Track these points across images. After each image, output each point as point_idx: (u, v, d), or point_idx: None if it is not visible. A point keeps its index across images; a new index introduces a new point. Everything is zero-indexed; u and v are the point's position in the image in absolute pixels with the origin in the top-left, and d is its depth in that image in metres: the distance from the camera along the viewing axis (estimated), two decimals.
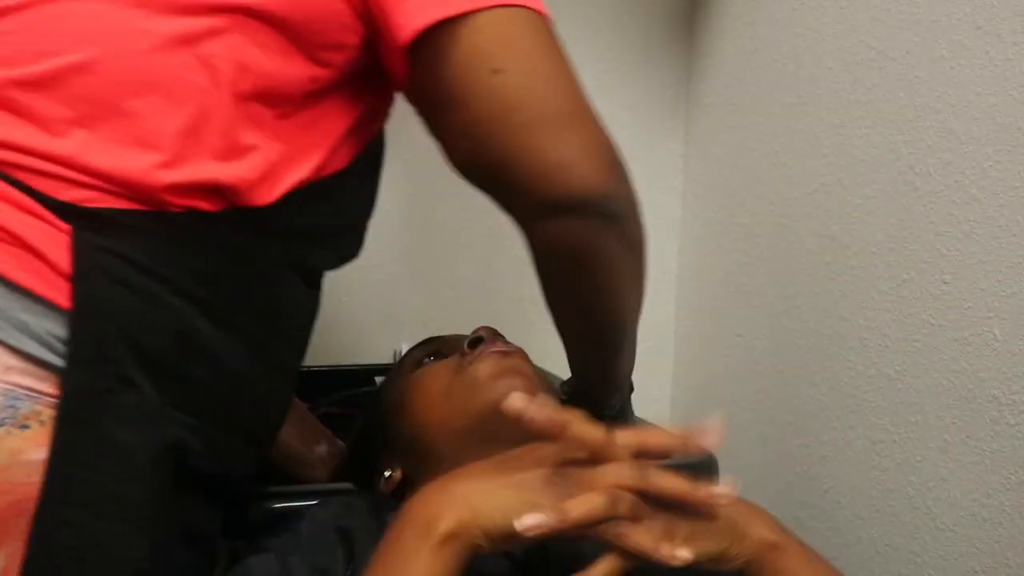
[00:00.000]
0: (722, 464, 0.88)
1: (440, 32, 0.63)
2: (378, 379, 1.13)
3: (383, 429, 0.81)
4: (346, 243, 0.77)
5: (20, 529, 0.54)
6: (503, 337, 0.80)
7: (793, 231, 1.10)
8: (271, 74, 0.63)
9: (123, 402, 0.58)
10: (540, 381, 0.77)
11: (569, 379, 0.88)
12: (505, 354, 0.76)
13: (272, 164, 0.64)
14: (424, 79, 0.66)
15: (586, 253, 0.68)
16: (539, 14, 0.68)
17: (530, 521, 0.51)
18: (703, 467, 0.86)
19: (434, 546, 0.51)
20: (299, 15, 0.63)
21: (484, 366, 0.74)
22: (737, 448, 1.21)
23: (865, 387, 0.97)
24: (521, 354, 0.78)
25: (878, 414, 0.95)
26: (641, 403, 1.39)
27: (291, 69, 0.64)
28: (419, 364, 0.82)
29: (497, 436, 0.72)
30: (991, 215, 0.81)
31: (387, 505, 0.73)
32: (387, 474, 0.77)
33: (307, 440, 0.91)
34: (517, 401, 0.55)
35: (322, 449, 0.92)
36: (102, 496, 0.57)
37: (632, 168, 1.45)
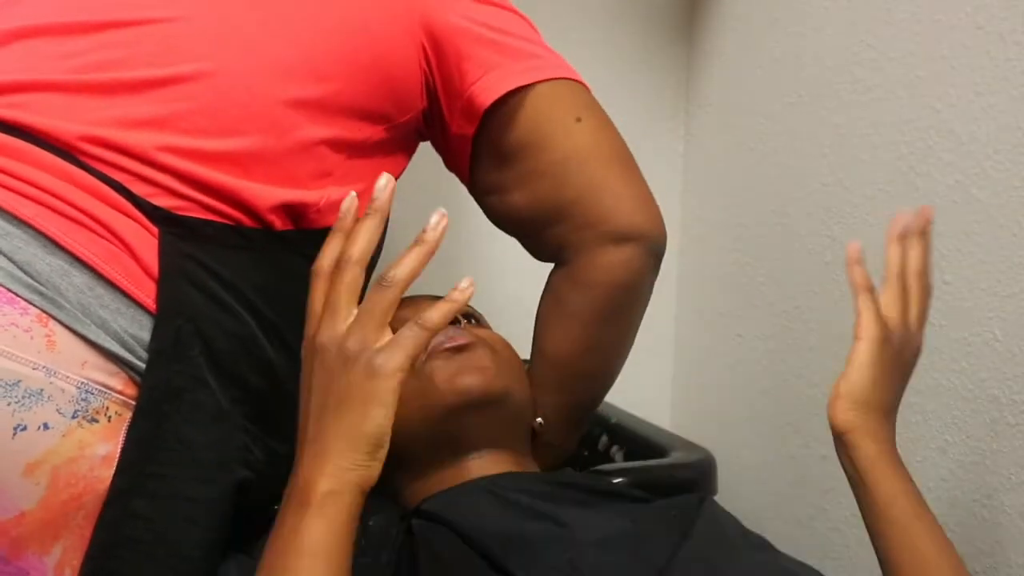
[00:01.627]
0: (722, 464, 0.89)
1: (517, 94, 0.74)
2: None
3: None
4: (371, 266, 0.81)
5: (78, 523, 0.56)
6: (460, 320, 0.79)
7: (793, 231, 1.10)
8: (353, 132, 0.71)
9: (196, 401, 0.60)
10: (502, 367, 0.75)
11: (543, 418, 0.85)
12: (459, 349, 0.73)
13: (339, 198, 0.68)
14: (496, 136, 0.76)
15: (632, 283, 0.78)
16: (587, 89, 0.80)
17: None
18: (702, 467, 0.86)
19: (315, 509, 0.52)
20: (389, 99, 0.73)
21: (438, 369, 0.72)
22: (737, 448, 1.21)
23: None
24: (479, 344, 0.75)
25: None
26: (641, 403, 1.39)
27: (368, 131, 0.72)
28: None
29: (460, 438, 0.72)
30: (991, 215, 0.81)
31: (370, 503, 0.72)
32: None
33: None
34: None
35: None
36: (171, 492, 0.59)
37: None
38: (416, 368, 0.73)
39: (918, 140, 0.89)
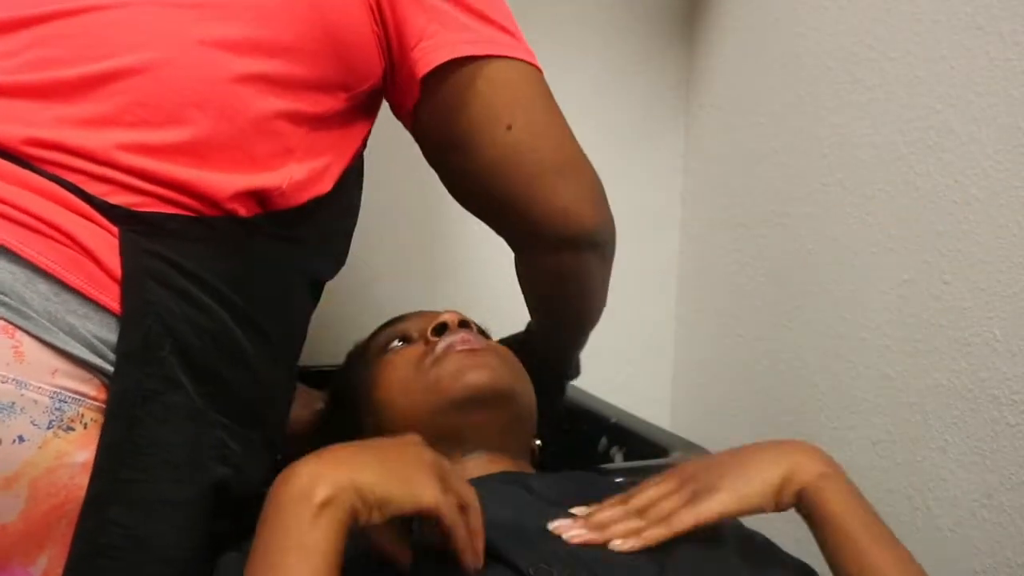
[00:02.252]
0: None
1: (454, 72, 0.71)
2: None
3: (352, 414, 0.80)
4: (341, 249, 0.80)
5: (62, 532, 0.55)
6: (469, 325, 0.79)
7: (793, 231, 1.10)
8: (311, 105, 0.68)
9: (169, 402, 0.59)
10: (511, 371, 0.76)
11: (532, 333, 0.95)
12: (471, 352, 0.75)
13: (302, 175, 0.68)
14: (436, 118, 0.74)
15: (573, 277, 0.81)
16: (538, 70, 0.76)
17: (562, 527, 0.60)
18: None
19: (314, 513, 0.50)
20: (344, 68, 0.70)
21: (447, 367, 0.74)
22: None
23: (865, 387, 0.97)
24: (488, 351, 0.77)
25: (878, 414, 0.95)
26: (641, 403, 1.39)
27: (328, 102, 0.70)
28: (385, 349, 0.81)
29: (463, 436, 0.73)
30: (991, 215, 0.81)
31: None
32: None
33: (307, 404, 0.94)
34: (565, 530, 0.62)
35: (305, 414, 0.93)
36: (148, 496, 0.58)
37: (632, 168, 1.46)
38: (426, 365, 0.74)
39: (918, 140, 0.89)
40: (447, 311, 0.81)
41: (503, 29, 0.73)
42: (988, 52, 0.81)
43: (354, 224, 0.81)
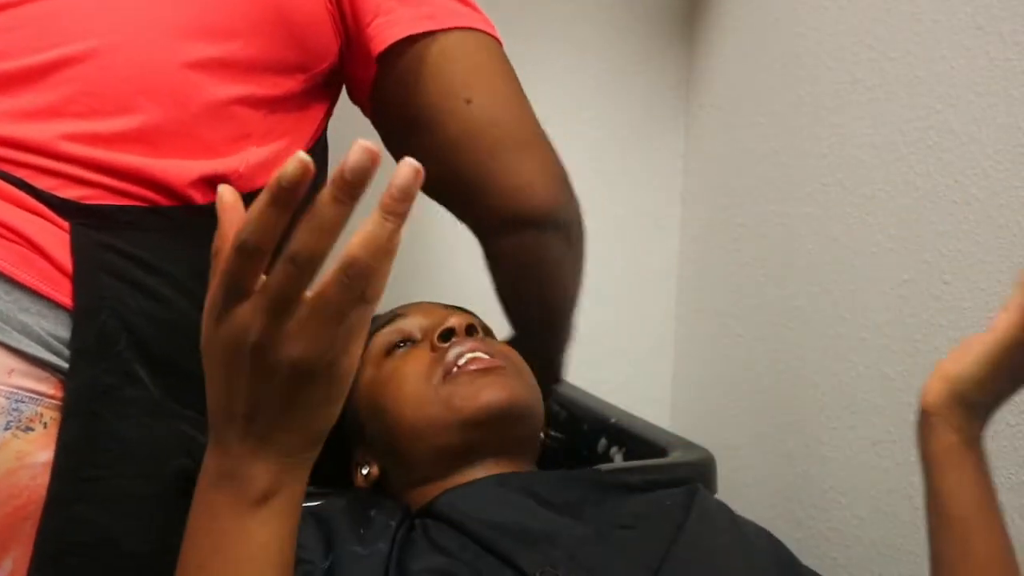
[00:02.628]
0: (721, 464, 0.89)
1: (410, 48, 0.69)
2: None
3: (355, 417, 0.79)
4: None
5: (26, 533, 0.54)
6: (477, 330, 0.77)
7: (793, 231, 1.10)
8: (268, 88, 0.67)
9: (127, 397, 0.58)
10: (522, 385, 0.75)
11: (512, 341, 0.89)
12: (484, 372, 0.72)
13: (261, 158, 0.66)
14: (394, 96, 0.72)
15: (538, 260, 0.78)
16: (497, 41, 0.74)
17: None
18: (702, 467, 0.86)
19: (266, 509, 0.46)
20: (299, 48, 0.68)
21: (461, 388, 0.71)
22: (737, 448, 1.21)
23: (865, 387, 0.97)
24: (500, 366, 0.74)
25: (878, 414, 0.95)
26: (641, 403, 1.39)
27: (285, 84, 0.68)
28: (389, 351, 0.78)
29: (474, 450, 0.72)
30: (991, 215, 0.81)
31: (370, 499, 0.72)
32: (364, 471, 0.76)
33: None
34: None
35: None
36: (110, 492, 0.57)
37: (632, 168, 1.46)
38: (437, 380, 0.72)
39: (918, 140, 0.89)
40: (452, 313, 0.79)
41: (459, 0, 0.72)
42: (988, 52, 0.81)
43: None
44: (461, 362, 0.73)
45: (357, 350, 0.46)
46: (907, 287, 0.91)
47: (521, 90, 0.75)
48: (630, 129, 1.36)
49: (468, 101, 0.71)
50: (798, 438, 1.09)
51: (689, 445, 0.90)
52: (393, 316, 0.83)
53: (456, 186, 0.74)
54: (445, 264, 1.33)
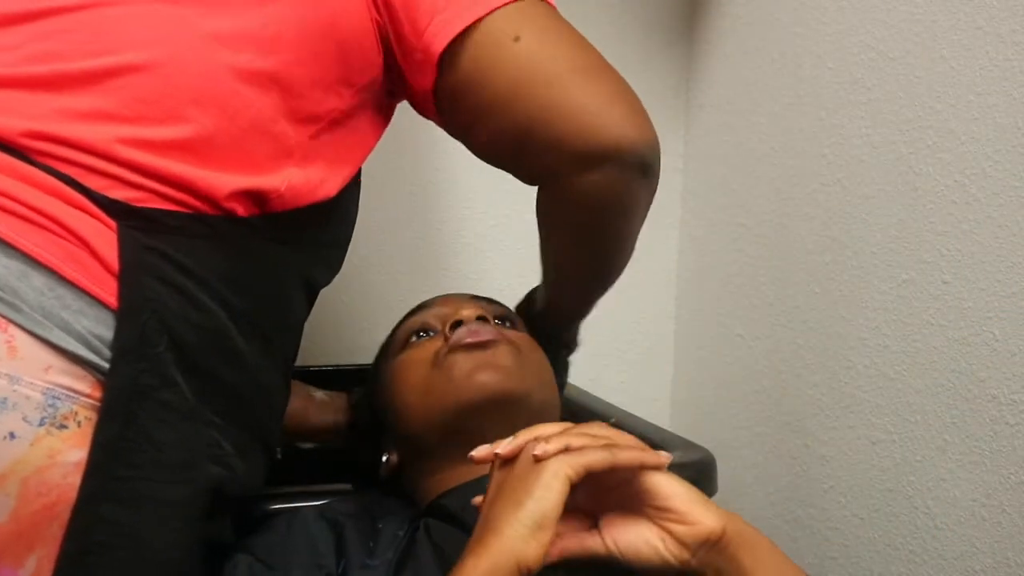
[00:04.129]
0: (721, 464, 0.89)
1: (466, 33, 0.68)
2: None
3: (376, 409, 0.81)
4: (337, 258, 0.80)
5: (53, 533, 0.54)
6: (487, 315, 0.78)
7: (793, 231, 1.10)
8: (313, 104, 0.67)
9: (163, 400, 0.58)
10: (525, 368, 0.75)
11: (539, 295, 0.88)
12: (480, 345, 0.73)
13: (301, 180, 0.67)
14: (452, 79, 0.70)
15: (617, 202, 0.71)
16: (546, 5, 0.72)
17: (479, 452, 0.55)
18: (702, 467, 0.86)
19: None
20: (343, 61, 0.68)
21: (457, 363, 0.73)
22: (737, 448, 1.21)
23: (865, 387, 0.97)
24: (500, 342, 0.75)
25: (878, 414, 0.95)
26: (641, 403, 1.39)
27: (330, 100, 0.68)
28: (404, 345, 0.81)
29: (476, 436, 0.72)
30: (991, 215, 0.81)
31: (378, 508, 0.73)
32: (384, 459, 0.78)
33: (321, 413, 0.93)
34: (481, 452, 0.56)
35: (339, 418, 0.94)
36: (141, 494, 0.57)
37: None
38: (437, 360, 0.74)
39: (918, 140, 0.89)
40: (468, 302, 0.80)
41: None
42: (988, 52, 0.81)
43: (351, 233, 0.80)
44: (459, 332, 0.75)
45: None
46: (907, 287, 0.91)
47: (576, 31, 0.71)
48: None
49: (516, 39, 0.68)
50: (798, 438, 1.09)
51: (689, 445, 0.90)
52: (418, 308, 0.85)
53: (517, 135, 0.69)
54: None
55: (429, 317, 0.82)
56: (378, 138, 0.76)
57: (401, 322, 0.85)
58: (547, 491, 0.51)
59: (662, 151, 1.47)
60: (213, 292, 0.62)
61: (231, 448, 0.63)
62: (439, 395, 0.72)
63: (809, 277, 1.07)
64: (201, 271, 0.61)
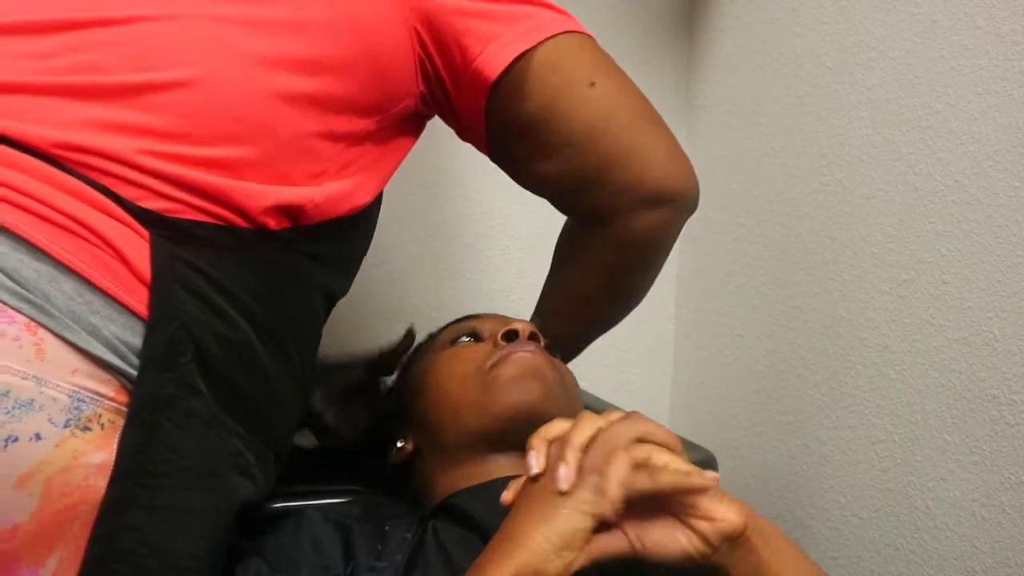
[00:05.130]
0: (722, 464, 0.89)
1: (523, 60, 0.71)
2: None
3: (405, 398, 0.82)
4: (355, 270, 0.81)
5: (74, 534, 0.54)
6: (538, 338, 0.79)
7: (793, 231, 1.10)
8: (347, 124, 0.69)
9: (188, 408, 0.59)
10: (563, 388, 0.76)
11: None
12: (532, 358, 0.74)
13: (336, 191, 0.68)
14: (509, 107, 0.73)
15: (665, 241, 0.79)
16: (594, 40, 0.77)
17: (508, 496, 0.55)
18: (702, 466, 0.86)
19: None
20: (381, 88, 0.71)
21: (505, 369, 0.73)
22: (737, 448, 1.21)
23: (865, 387, 0.97)
24: (547, 358, 0.76)
25: (878, 414, 0.95)
26: (641, 403, 1.39)
27: (362, 123, 0.70)
28: (454, 342, 0.82)
29: (503, 440, 0.73)
30: (991, 215, 0.81)
31: (385, 510, 0.73)
32: (399, 444, 0.79)
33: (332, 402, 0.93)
34: (508, 497, 0.56)
35: (352, 411, 0.93)
36: (165, 502, 0.57)
37: None
38: (488, 365, 0.74)
39: (918, 140, 0.89)
40: (520, 320, 0.81)
41: (550, 7, 0.75)
42: (988, 52, 0.81)
43: (368, 246, 0.81)
44: (513, 348, 0.75)
45: None
46: (907, 287, 0.91)
47: (628, 76, 0.77)
48: None
49: (592, 84, 0.73)
50: (798, 438, 1.09)
51: (689, 445, 0.90)
52: (467, 317, 0.86)
53: (591, 170, 0.75)
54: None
55: (480, 326, 0.83)
56: (407, 151, 0.78)
57: (448, 325, 0.86)
58: (584, 514, 0.52)
59: None
60: (240, 305, 0.63)
61: (252, 459, 0.64)
62: (480, 391, 0.73)
63: (809, 277, 1.07)
64: (229, 283, 0.62)
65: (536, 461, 0.56)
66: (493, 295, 1.32)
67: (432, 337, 0.88)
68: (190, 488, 0.59)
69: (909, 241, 0.90)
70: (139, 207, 0.59)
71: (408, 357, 0.89)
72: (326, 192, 0.67)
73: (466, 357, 0.77)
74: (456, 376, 0.76)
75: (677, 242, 1.43)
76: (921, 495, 0.89)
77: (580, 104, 0.73)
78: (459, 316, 0.90)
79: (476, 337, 0.82)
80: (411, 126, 0.78)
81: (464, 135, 0.80)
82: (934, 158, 0.87)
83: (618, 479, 0.53)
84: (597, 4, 1.33)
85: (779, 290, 1.13)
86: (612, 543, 0.53)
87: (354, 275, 0.81)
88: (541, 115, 0.73)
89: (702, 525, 0.54)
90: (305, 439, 1.04)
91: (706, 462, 0.88)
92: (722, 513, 0.54)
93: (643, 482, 0.53)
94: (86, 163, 0.59)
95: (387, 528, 0.68)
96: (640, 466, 0.54)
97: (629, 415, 0.58)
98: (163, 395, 0.57)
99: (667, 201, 0.75)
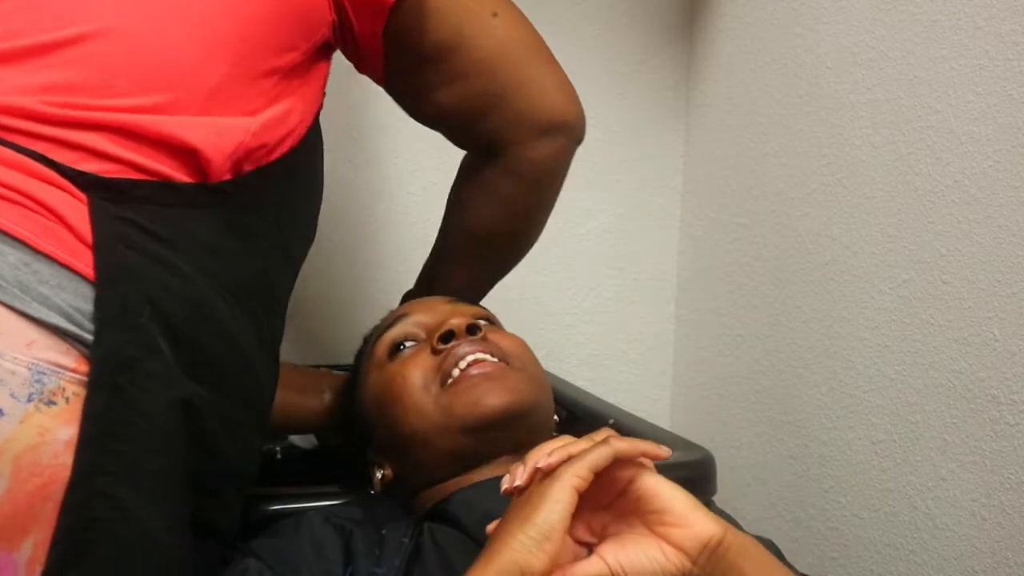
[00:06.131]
0: (721, 464, 0.89)
1: None
2: None
3: (365, 418, 0.79)
4: (310, 227, 0.80)
5: (47, 516, 0.53)
6: (479, 328, 0.75)
7: (793, 231, 1.10)
8: (274, 60, 0.69)
9: (149, 370, 0.57)
10: (529, 382, 0.74)
11: (430, 281, 0.94)
12: (484, 376, 0.72)
13: (266, 118, 0.67)
14: (411, 34, 0.75)
15: (557, 171, 0.84)
16: None
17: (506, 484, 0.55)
18: (702, 467, 0.86)
19: None
20: (301, 21, 0.70)
21: (462, 395, 0.71)
22: (737, 448, 1.21)
23: (865, 387, 0.97)
24: (501, 367, 0.74)
25: (878, 414, 0.95)
26: (641, 403, 1.39)
27: (288, 56, 0.70)
28: (393, 353, 0.78)
29: (484, 452, 0.72)
30: (991, 215, 0.81)
31: (381, 514, 0.73)
32: (379, 475, 0.77)
33: (307, 391, 0.91)
34: (507, 484, 0.56)
35: (327, 397, 0.91)
36: (132, 467, 0.56)
37: (632, 168, 1.46)
38: (438, 386, 0.72)
39: (918, 140, 0.89)
40: (454, 311, 0.78)
41: None
42: (988, 52, 0.81)
43: (319, 202, 0.80)
44: (462, 365, 0.72)
45: None
46: (907, 287, 0.91)
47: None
48: (630, 129, 1.36)
49: (495, 15, 0.77)
50: (798, 438, 1.09)
51: (689, 445, 0.90)
52: (397, 316, 0.82)
53: (490, 98, 0.78)
54: None
55: (410, 326, 0.80)
56: (325, 76, 0.78)
57: (379, 333, 0.82)
58: (556, 503, 0.52)
59: (662, 151, 1.48)
60: (192, 259, 0.61)
61: (216, 424, 0.62)
62: (440, 416, 0.71)
63: (809, 277, 1.07)
64: (179, 239, 0.61)
65: (520, 472, 0.56)
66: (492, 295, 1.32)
67: (368, 342, 0.84)
68: (154, 450, 0.57)
69: (909, 241, 0.90)
70: (75, 170, 0.58)
71: (353, 370, 0.86)
72: (260, 120, 0.67)
73: (411, 378, 0.74)
74: (408, 407, 0.73)
75: (677, 242, 1.44)
76: (921, 495, 0.89)
77: (484, 33, 0.77)
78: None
79: (413, 340, 0.78)
80: (324, 53, 0.77)
81: (362, 66, 0.81)
82: (934, 158, 0.87)
83: (575, 452, 0.54)
84: (597, 4, 1.33)
85: (779, 290, 1.13)
86: (590, 568, 0.53)
87: (311, 233, 0.80)
88: (446, 43, 0.76)
89: (677, 533, 0.53)
90: (305, 440, 1.04)
91: (706, 462, 0.88)
92: (697, 520, 0.53)
93: (600, 452, 0.53)
94: (19, 129, 0.58)
95: (384, 532, 0.68)
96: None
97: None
98: (123, 357, 0.56)
99: (558, 130, 0.80)
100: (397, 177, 1.26)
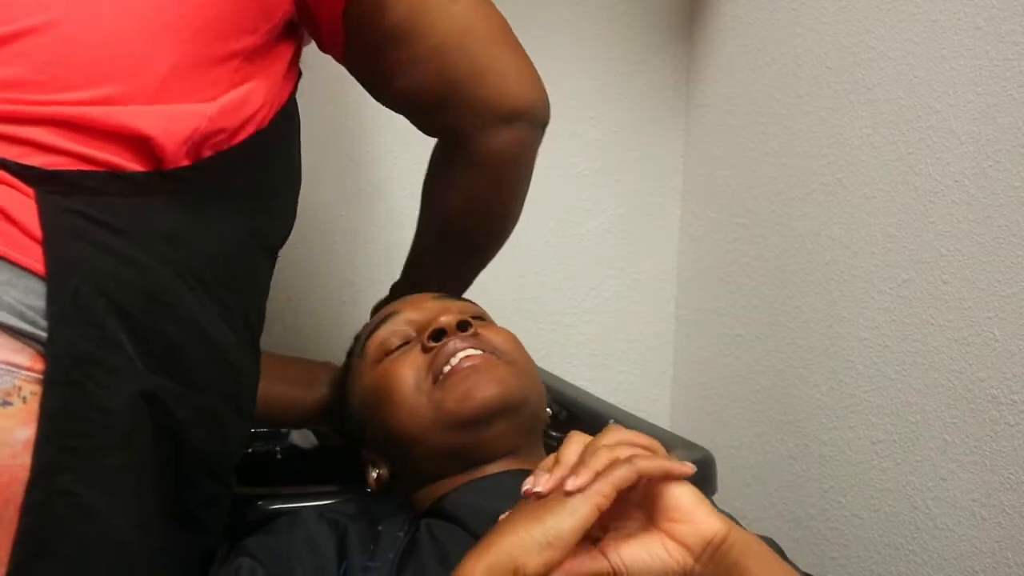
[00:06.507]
0: (721, 464, 0.89)
1: None
2: None
3: (358, 418, 0.79)
4: (283, 210, 0.77)
5: (8, 517, 0.52)
6: (469, 324, 0.75)
7: (793, 231, 1.10)
8: (231, 44, 0.67)
9: (106, 364, 0.56)
10: (519, 375, 0.74)
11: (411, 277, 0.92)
12: (474, 369, 0.72)
13: (229, 102, 0.65)
14: (369, 18, 0.74)
15: (523, 158, 0.82)
16: None
17: (527, 486, 0.53)
18: (702, 467, 0.86)
19: None
20: (254, 11, 0.68)
21: (452, 389, 0.71)
22: (737, 448, 1.21)
23: (865, 387, 0.97)
24: (495, 360, 0.73)
25: (878, 414, 0.95)
26: (641, 403, 1.39)
27: (247, 39, 0.68)
28: (384, 354, 0.78)
29: (478, 450, 0.72)
30: (991, 215, 0.81)
31: (377, 509, 0.73)
32: (375, 474, 0.77)
33: (304, 383, 0.90)
34: (529, 485, 0.54)
35: (324, 390, 0.90)
36: (92, 463, 0.55)
37: (632, 168, 1.46)
38: (429, 384, 0.72)
39: (918, 140, 0.89)
40: (444, 308, 0.78)
41: None
42: (988, 52, 0.81)
43: (298, 183, 0.79)
44: (453, 362, 0.72)
45: None
46: (907, 287, 0.91)
47: None
48: (630, 129, 1.36)
49: (454, 0, 0.75)
50: (798, 438, 1.09)
51: (689, 445, 0.90)
52: (387, 315, 0.82)
53: (448, 85, 0.77)
54: None
55: (400, 325, 0.79)
56: (292, 54, 0.76)
57: (369, 332, 0.81)
58: (571, 514, 0.51)
59: (662, 151, 1.48)
60: (150, 250, 0.60)
61: (188, 415, 0.61)
62: (433, 414, 0.71)
63: (809, 277, 1.07)
64: (133, 230, 0.59)
65: (544, 479, 0.54)
66: (492, 295, 1.32)
67: (359, 340, 0.83)
68: (117, 447, 0.56)
69: (909, 241, 0.90)
70: (19, 165, 0.57)
71: (344, 368, 0.86)
72: (219, 104, 0.65)
73: (403, 377, 0.74)
74: (400, 405, 0.73)
75: (677, 242, 1.44)
76: (921, 495, 0.89)
77: (441, 19, 0.75)
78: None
79: (404, 340, 0.78)
80: (288, 33, 0.75)
81: (323, 46, 0.79)
82: (934, 158, 0.87)
83: (600, 468, 0.52)
84: (597, 4, 1.33)
85: (779, 290, 1.13)
86: (591, 564, 0.52)
87: (287, 216, 0.78)
88: (403, 27, 0.74)
89: (681, 529, 0.52)
90: (305, 440, 1.04)
91: (706, 462, 0.88)
92: (702, 517, 0.53)
93: (625, 471, 0.52)
94: None
95: (380, 527, 0.68)
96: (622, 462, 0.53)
97: (612, 429, 0.57)
98: (78, 353, 0.55)
99: (519, 117, 0.78)
100: (398, 177, 1.26)
